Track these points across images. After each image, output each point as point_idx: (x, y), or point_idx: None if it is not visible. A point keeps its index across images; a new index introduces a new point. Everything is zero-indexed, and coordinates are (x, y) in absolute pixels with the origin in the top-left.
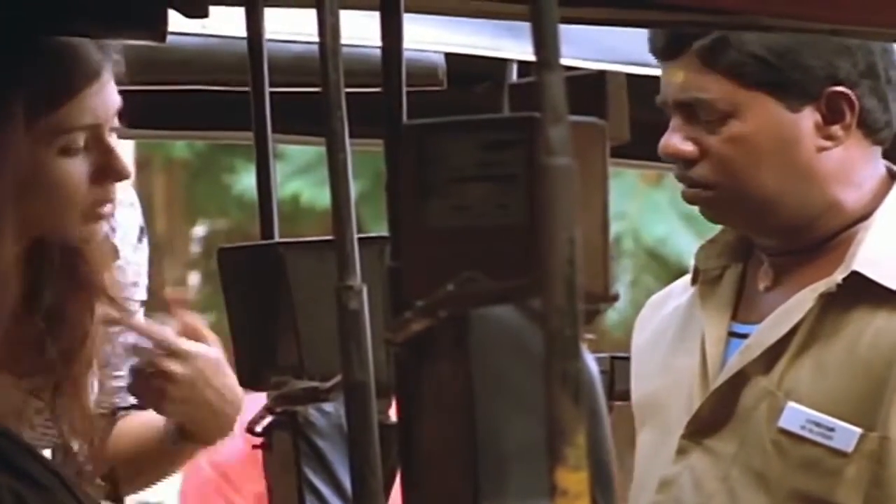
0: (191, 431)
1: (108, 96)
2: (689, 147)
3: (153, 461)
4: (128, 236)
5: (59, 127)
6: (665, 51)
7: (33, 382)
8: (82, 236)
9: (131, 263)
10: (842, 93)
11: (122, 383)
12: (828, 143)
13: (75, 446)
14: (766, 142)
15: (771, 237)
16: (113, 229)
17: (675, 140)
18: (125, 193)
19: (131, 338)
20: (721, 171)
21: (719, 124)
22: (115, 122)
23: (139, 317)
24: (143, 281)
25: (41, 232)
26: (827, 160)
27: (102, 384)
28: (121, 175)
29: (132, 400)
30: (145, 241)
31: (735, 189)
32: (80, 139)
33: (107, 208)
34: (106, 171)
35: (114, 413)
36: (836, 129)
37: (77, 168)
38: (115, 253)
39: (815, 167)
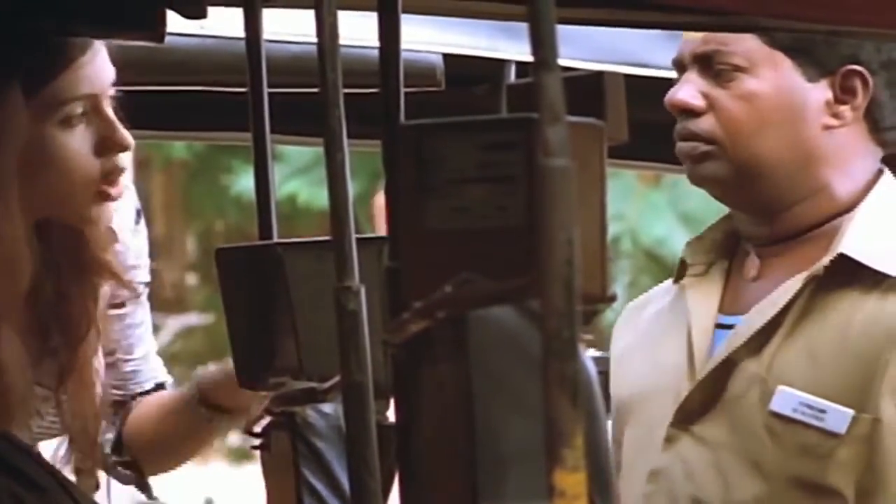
0: (215, 398)
1: (102, 65)
2: (697, 100)
3: (179, 437)
4: (125, 220)
5: (57, 98)
6: None
7: (38, 371)
8: (90, 217)
9: (130, 247)
10: (859, 72)
11: (135, 367)
12: (834, 122)
13: (80, 434)
14: (774, 105)
15: (751, 217)
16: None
17: (685, 91)
18: None
19: (140, 317)
20: (724, 127)
21: (733, 79)
22: (111, 93)
23: (142, 300)
24: (145, 262)
25: (50, 210)
26: (828, 140)
27: (115, 368)
28: (123, 145)
29: (147, 385)
30: (142, 223)
31: (733, 149)
32: (79, 109)
33: (116, 188)
34: (108, 141)
35: (131, 399)
36: (845, 109)
37: (78, 140)
38: (113, 237)
39: (815, 144)
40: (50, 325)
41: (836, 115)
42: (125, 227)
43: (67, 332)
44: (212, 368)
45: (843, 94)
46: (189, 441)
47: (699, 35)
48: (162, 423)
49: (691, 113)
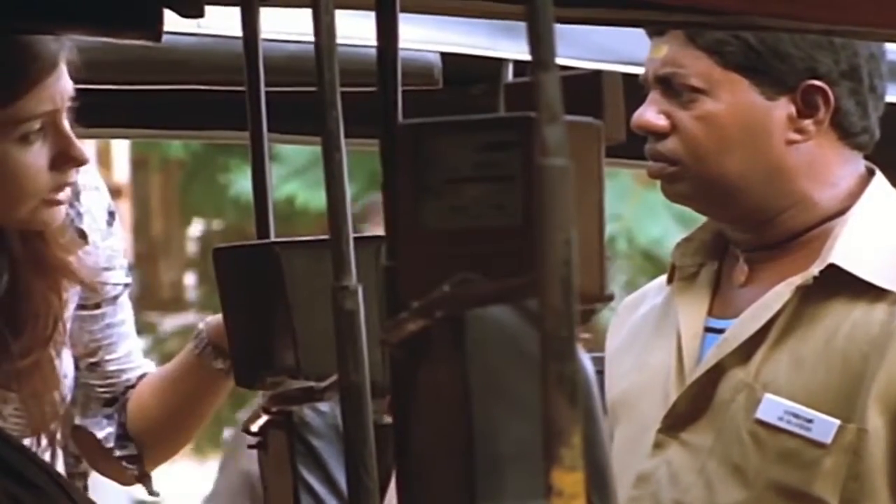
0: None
1: (64, 83)
2: (661, 120)
3: (189, 402)
4: (96, 221)
5: (18, 116)
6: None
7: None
8: (42, 220)
9: (102, 248)
10: (818, 87)
11: (120, 365)
12: (798, 137)
13: (44, 433)
14: (735, 125)
15: (736, 227)
16: (80, 214)
17: (649, 113)
18: (90, 177)
19: (120, 317)
20: (687, 149)
21: (692, 101)
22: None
23: (122, 300)
24: (121, 263)
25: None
26: (796, 154)
27: (100, 367)
28: (79, 160)
29: (134, 379)
30: (116, 224)
31: (698, 169)
32: (37, 126)
33: (64, 193)
34: (64, 156)
35: (121, 394)
36: (808, 124)
37: (36, 156)
38: (82, 239)
39: (782, 159)
40: (12, 327)
41: (799, 131)
42: (95, 229)
43: (32, 332)
44: (213, 318)
45: (806, 108)
46: (201, 401)
47: (659, 56)
48: (167, 395)
49: (657, 133)
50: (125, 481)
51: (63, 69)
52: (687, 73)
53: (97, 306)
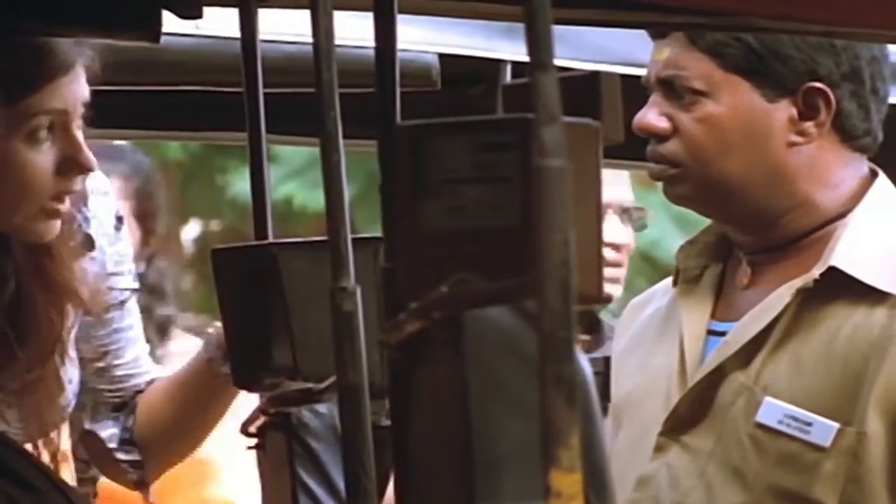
0: None
1: (78, 87)
2: (662, 123)
3: (197, 406)
4: (104, 226)
5: (28, 111)
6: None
7: (3, 376)
8: (38, 231)
9: (109, 253)
10: (819, 89)
11: (128, 370)
12: (799, 139)
13: (44, 444)
14: (735, 127)
15: (738, 229)
16: (87, 219)
17: (651, 115)
18: (98, 182)
19: (128, 322)
20: (688, 151)
21: (694, 103)
22: (82, 114)
23: (129, 305)
24: (129, 268)
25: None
26: (797, 156)
27: (107, 373)
28: (86, 167)
29: (143, 384)
30: (124, 229)
31: (699, 171)
32: (46, 124)
33: (64, 205)
34: (71, 162)
35: (130, 398)
36: (809, 126)
37: (43, 156)
38: (89, 244)
39: (783, 162)
40: (15, 334)
41: (800, 133)
42: (102, 234)
43: (35, 346)
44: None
45: (807, 111)
46: (208, 407)
47: (661, 58)
48: (175, 400)
49: (659, 135)
50: (131, 486)
51: (80, 73)
52: (688, 75)
53: (104, 311)
